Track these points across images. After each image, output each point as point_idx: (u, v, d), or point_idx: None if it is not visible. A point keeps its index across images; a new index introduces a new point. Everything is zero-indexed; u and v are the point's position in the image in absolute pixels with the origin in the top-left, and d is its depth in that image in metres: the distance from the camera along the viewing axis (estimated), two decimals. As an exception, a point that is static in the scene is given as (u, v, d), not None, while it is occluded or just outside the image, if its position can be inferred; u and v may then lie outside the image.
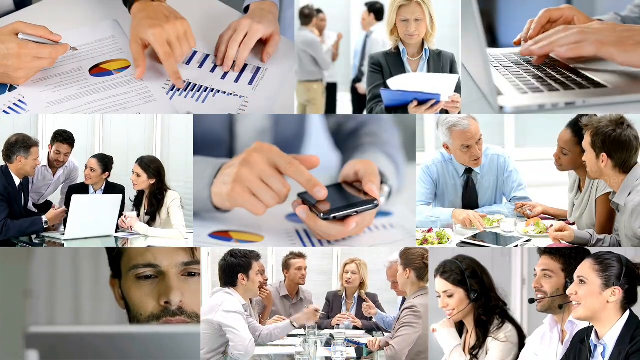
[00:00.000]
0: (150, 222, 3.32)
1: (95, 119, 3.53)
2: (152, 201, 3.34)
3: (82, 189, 3.44)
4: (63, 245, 3.03)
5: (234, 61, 2.61)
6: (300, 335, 3.34)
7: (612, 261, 2.08)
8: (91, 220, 3.11)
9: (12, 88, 2.49)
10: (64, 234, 3.07)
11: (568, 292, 2.12)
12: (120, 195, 3.34)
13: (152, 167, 3.35)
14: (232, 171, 2.25)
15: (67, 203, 3.37)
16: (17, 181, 3.16)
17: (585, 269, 2.10)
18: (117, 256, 2.04)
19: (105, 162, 3.44)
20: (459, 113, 2.78)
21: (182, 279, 1.97)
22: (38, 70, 2.49)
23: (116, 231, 3.20)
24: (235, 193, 2.22)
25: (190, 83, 2.58)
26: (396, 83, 2.77)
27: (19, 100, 2.47)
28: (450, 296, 2.48)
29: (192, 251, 2.00)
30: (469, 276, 2.47)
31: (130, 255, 2.00)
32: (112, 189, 3.45)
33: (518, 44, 2.73)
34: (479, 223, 2.95)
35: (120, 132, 3.80)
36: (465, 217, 2.98)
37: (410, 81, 2.77)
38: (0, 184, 3.10)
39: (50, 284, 3.11)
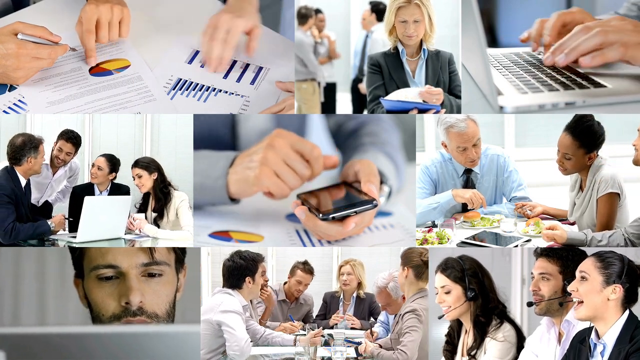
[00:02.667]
0: (157, 219, 3.30)
1: (85, 119, 3.51)
2: (158, 196, 3.31)
3: (88, 189, 3.41)
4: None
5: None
6: (300, 335, 3.35)
7: (614, 259, 2.09)
8: (102, 222, 3.07)
9: (12, 88, 2.49)
10: (74, 237, 3.04)
11: (569, 288, 2.12)
12: (130, 197, 3.33)
13: (150, 163, 3.35)
14: (257, 156, 2.31)
15: (72, 204, 3.36)
16: (23, 182, 3.13)
17: (587, 265, 2.11)
18: (79, 256, 2.04)
19: (114, 162, 3.43)
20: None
21: (142, 280, 1.98)
22: (37, 70, 2.49)
23: (125, 233, 3.18)
24: (263, 175, 2.28)
25: (192, 82, 2.58)
26: (394, 96, 2.78)
27: (19, 100, 2.47)
28: (447, 292, 2.49)
29: (151, 252, 2.00)
30: (469, 275, 2.48)
31: (91, 256, 2.01)
32: (118, 190, 3.43)
33: (525, 41, 2.70)
34: (481, 202, 3.02)
35: (110, 132, 3.77)
36: (471, 196, 3.03)
37: (406, 94, 2.78)
38: (8, 186, 3.06)
39: (15, 283, 3.07)
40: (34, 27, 2.45)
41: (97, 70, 2.59)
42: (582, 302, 2.08)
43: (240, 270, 3.12)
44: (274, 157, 2.29)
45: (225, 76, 2.61)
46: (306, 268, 3.79)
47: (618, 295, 2.06)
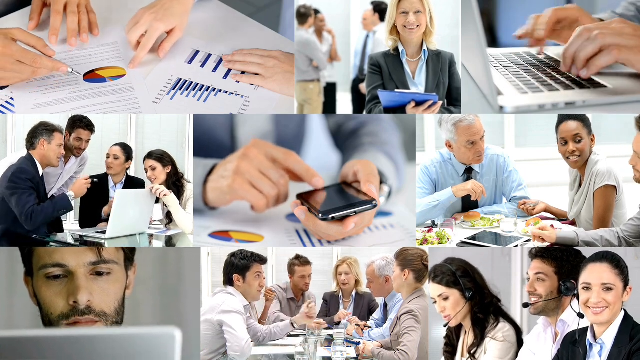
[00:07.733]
0: (170, 213, 3.27)
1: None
2: (172, 190, 3.26)
3: (102, 180, 3.35)
4: (103, 245, 2.83)
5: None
6: (300, 335, 3.35)
7: (623, 262, 2.09)
8: (131, 216, 3.05)
9: (3, 86, 2.46)
10: (102, 232, 2.99)
11: (594, 300, 2.06)
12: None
13: (163, 155, 3.30)
14: (231, 166, 2.35)
15: (84, 195, 3.32)
16: (41, 171, 3.07)
17: (608, 275, 2.07)
18: (28, 254, 2.03)
19: (128, 150, 3.39)
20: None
21: (90, 279, 1.97)
22: (22, 77, 2.42)
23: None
24: (236, 184, 2.33)
25: (192, 82, 2.57)
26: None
27: (11, 98, 2.44)
28: (445, 299, 2.46)
29: (99, 251, 2.00)
30: (461, 276, 2.45)
31: (39, 254, 2.00)
32: (132, 182, 3.40)
33: (521, 38, 2.72)
34: (482, 190, 3.06)
35: (96, 132, 3.71)
36: (472, 186, 3.05)
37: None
38: (30, 172, 3.01)
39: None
40: (31, 37, 2.43)
41: (92, 76, 2.55)
42: (607, 307, 2.06)
43: (229, 268, 3.14)
44: (247, 166, 2.33)
45: (225, 76, 2.61)
46: (302, 261, 3.78)
47: (629, 296, 2.07)
